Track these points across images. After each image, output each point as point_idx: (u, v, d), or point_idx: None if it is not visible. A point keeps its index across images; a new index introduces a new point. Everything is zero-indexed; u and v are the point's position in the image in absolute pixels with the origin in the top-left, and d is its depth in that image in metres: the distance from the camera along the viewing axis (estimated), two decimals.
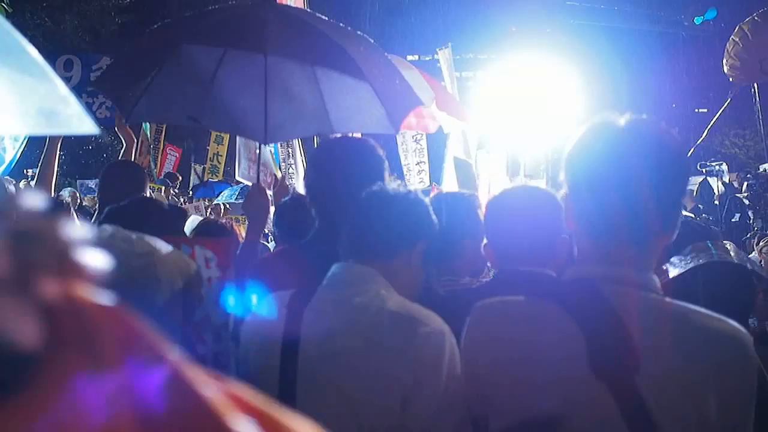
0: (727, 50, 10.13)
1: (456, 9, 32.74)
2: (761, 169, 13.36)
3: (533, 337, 1.41)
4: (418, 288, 1.86)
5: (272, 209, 4.93)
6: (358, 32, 3.05)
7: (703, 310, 1.37)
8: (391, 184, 1.87)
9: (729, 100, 13.55)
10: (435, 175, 10.90)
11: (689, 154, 14.02)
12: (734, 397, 1.30)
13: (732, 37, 10.06)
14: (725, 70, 10.35)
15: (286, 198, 3.45)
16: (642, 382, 1.29)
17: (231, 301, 1.74)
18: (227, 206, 13.11)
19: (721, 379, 1.29)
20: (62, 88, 1.19)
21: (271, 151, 6.77)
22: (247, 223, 3.12)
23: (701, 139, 14.10)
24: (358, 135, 3.68)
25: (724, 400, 1.29)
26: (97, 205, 3.71)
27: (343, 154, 2.24)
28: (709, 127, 13.80)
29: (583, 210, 1.42)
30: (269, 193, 4.75)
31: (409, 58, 29.32)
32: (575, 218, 1.44)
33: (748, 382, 1.32)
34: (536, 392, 1.38)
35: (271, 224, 3.33)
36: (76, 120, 1.17)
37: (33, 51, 1.21)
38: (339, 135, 2.91)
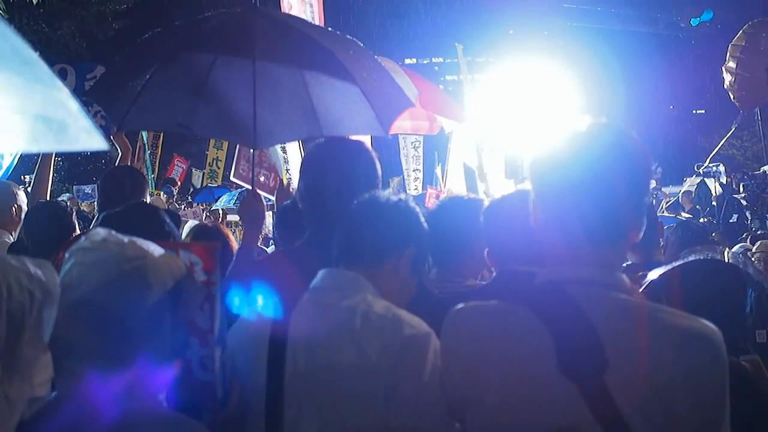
0: (728, 70, 10.05)
1: (454, 13, 32.87)
2: (761, 170, 13.41)
3: (504, 340, 1.43)
4: (408, 295, 1.87)
5: (269, 214, 4.90)
6: (347, 36, 3.05)
7: (672, 309, 1.39)
8: (383, 192, 1.89)
9: (733, 128, 13.60)
10: (428, 179, 10.90)
11: (705, 163, 14.14)
12: (705, 396, 1.31)
13: (729, 54, 9.99)
14: (731, 98, 10.27)
15: (288, 201, 3.44)
16: (611, 381, 1.30)
17: (219, 305, 1.74)
18: (225, 211, 13.12)
19: (691, 377, 1.30)
20: (72, 102, 1.19)
21: (285, 156, 6.74)
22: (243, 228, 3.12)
23: (707, 160, 14.18)
24: (366, 138, 3.67)
25: (695, 399, 1.30)
26: (96, 210, 3.71)
27: (332, 157, 2.24)
28: (714, 151, 13.89)
29: (549, 214, 1.47)
30: (271, 197, 4.73)
31: (407, 61, 29.48)
32: (543, 222, 1.48)
33: (719, 380, 1.33)
34: (508, 392, 1.40)
35: (271, 227, 3.32)
36: (85, 135, 1.17)
37: (44, 65, 1.21)
38: (328, 138, 2.89)
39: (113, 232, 1.44)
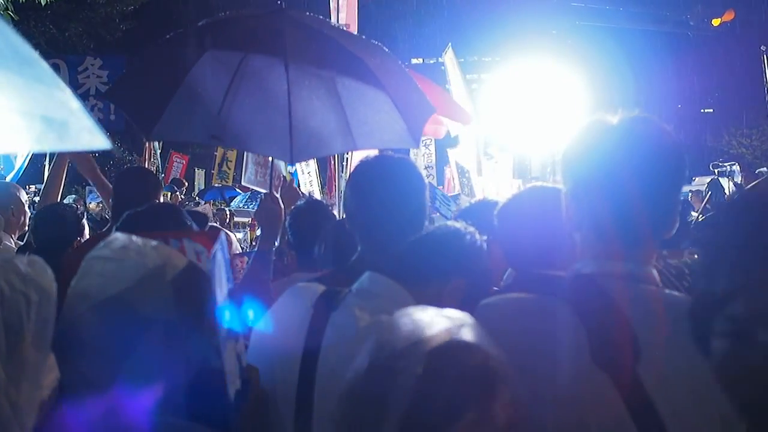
0: None
1: (460, 11, 32.80)
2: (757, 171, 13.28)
3: (536, 331, 1.42)
4: None
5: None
6: (373, 41, 2.99)
7: None
8: (456, 223, 1.89)
9: None
10: (440, 179, 10.87)
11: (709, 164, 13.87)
12: None
13: None
14: None
15: (301, 202, 3.40)
16: (644, 372, 1.30)
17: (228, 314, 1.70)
18: (233, 212, 13.11)
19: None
20: (74, 101, 1.17)
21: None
22: (259, 231, 3.09)
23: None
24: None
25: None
26: (110, 210, 3.67)
27: (380, 176, 2.17)
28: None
29: (580, 208, 1.46)
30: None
31: (414, 61, 29.41)
32: (575, 216, 1.48)
33: None
34: (540, 384, 1.37)
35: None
36: (87, 134, 1.16)
37: (45, 64, 1.19)
38: (374, 155, 2.84)
39: (133, 238, 1.38)
